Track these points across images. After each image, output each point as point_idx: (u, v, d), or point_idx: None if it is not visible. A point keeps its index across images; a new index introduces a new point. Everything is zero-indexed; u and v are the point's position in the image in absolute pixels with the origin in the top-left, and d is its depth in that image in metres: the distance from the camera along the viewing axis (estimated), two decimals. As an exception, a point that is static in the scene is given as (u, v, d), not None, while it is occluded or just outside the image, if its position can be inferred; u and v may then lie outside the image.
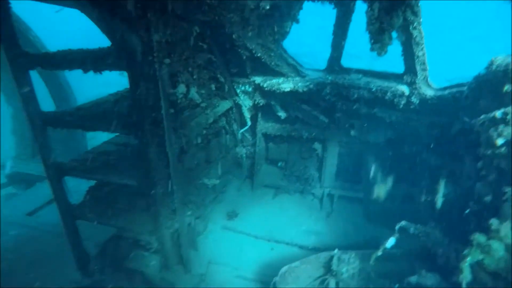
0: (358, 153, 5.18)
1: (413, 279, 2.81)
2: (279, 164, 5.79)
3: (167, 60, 3.36)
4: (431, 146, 4.22)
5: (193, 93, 3.75)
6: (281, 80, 4.75)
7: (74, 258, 4.51)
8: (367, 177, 5.10)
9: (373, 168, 4.94)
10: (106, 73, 3.61)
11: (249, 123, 5.44)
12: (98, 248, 4.71)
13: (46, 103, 5.01)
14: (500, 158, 2.41)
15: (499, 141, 2.41)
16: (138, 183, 3.84)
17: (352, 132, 4.93)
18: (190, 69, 3.93)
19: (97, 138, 6.83)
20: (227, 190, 5.67)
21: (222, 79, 4.78)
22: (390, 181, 4.83)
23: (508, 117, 2.35)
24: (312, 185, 5.46)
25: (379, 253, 3.01)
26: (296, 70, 4.70)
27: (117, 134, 4.75)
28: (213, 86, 4.66)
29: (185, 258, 4.36)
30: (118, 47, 3.20)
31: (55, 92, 7.57)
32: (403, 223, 3.08)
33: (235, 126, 5.53)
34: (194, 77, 4.00)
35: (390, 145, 4.79)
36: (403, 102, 4.11)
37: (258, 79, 4.87)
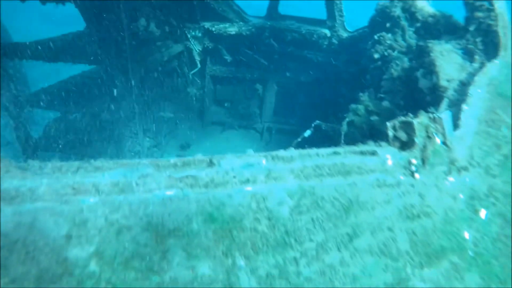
0: (293, 92, 6.14)
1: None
2: (226, 104, 6.58)
3: (129, -4, 3.90)
4: (347, 81, 5.25)
5: (153, 26, 4.33)
6: (227, 25, 5.45)
7: None
8: (299, 111, 6.12)
9: (303, 104, 5.96)
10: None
11: (199, 65, 6.10)
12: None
13: None
14: (377, 69, 3.47)
15: (376, 56, 3.46)
16: (102, 111, 4.41)
17: (287, 73, 5.84)
18: (147, 7, 4.46)
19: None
20: (180, 127, 6.36)
21: (174, 23, 5.34)
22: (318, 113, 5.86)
23: (381, 38, 3.40)
24: (254, 121, 6.36)
25: (299, 139, 4.01)
26: (241, 16, 5.42)
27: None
28: (166, 28, 5.21)
29: (144, 179, 5.04)
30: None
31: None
32: (317, 121, 4.10)
33: (186, 69, 6.15)
34: (151, 15, 4.55)
35: (317, 83, 5.78)
36: (325, 42, 5.09)
37: (207, 24, 5.51)
